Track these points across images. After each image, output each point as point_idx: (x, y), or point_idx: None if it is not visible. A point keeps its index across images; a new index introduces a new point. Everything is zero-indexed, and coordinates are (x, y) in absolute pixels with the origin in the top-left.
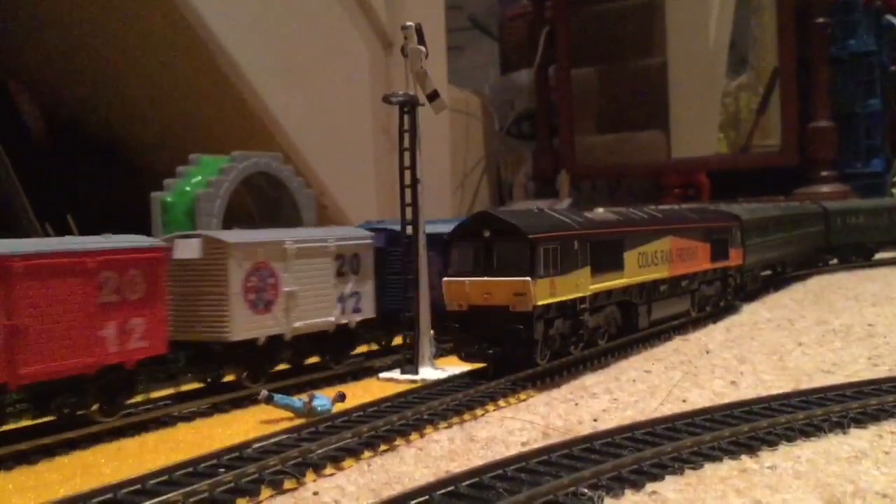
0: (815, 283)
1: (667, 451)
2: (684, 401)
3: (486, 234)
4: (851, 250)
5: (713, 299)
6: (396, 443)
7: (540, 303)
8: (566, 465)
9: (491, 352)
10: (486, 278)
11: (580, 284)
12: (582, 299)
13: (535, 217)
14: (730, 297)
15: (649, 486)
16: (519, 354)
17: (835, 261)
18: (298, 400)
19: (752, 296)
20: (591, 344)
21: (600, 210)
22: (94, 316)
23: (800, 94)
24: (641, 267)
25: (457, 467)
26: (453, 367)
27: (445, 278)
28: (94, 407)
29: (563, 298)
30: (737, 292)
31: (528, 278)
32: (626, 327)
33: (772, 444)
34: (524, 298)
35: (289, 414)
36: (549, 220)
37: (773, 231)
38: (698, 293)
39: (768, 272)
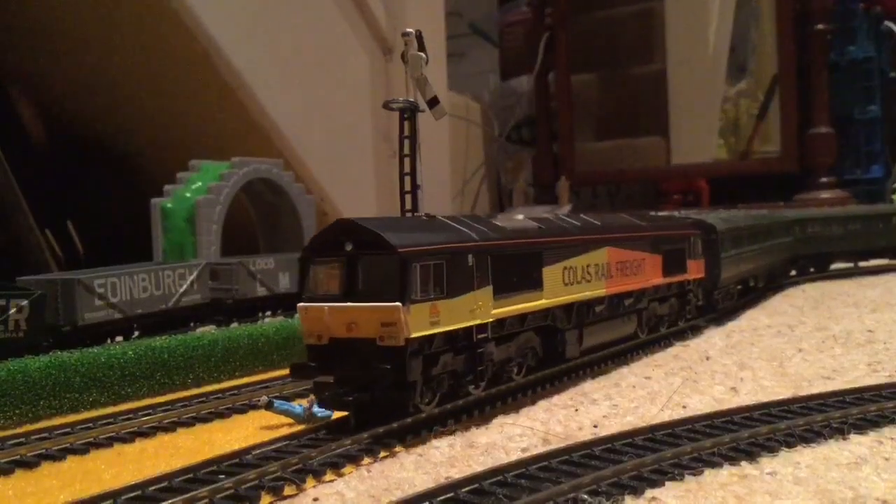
0: (815, 289)
1: (667, 458)
2: (684, 407)
3: (349, 247)
4: (812, 261)
5: (668, 319)
6: (396, 449)
7: (416, 334)
8: (566, 472)
9: (351, 398)
10: (348, 304)
11: (477, 309)
12: (481, 327)
13: (417, 225)
14: (690, 315)
15: (649, 492)
16: (389, 400)
17: (793, 272)
18: (298, 406)
19: (728, 313)
20: (499, 381)
21: (519, 217)
22: None
23: (799, 100)
24: (568, 284)
25: (457, 473)
26: None
27: (300, 303)
28: None
29: (452, 328)
30: (702, 310)
31: (399, 304)
32: (550, 358)
33: (772, 451)
34: (394, 329)
35: (289, 420)
36: (434, 230)
37: (749, 241)
38: (647, 312)
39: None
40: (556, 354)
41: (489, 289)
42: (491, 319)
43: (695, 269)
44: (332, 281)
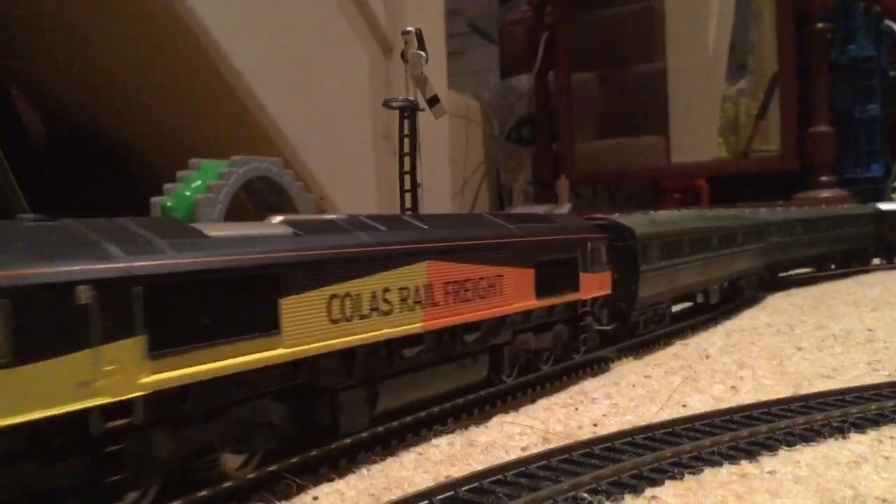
0: (815, 288)
1: (666, 456)
2: (684, 406)
3: None
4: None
5: (552, 353)
6: (395, 447)
7: None
8: (566, 470)
9: None
10: None
11: (101, 378)
12: (109, 410)
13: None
14: (589, 345)
15: (649, 491)
16: None
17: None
18: None
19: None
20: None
21: (277, 219)
22: None
23: (799, 99)
24: (342, 320)
25: (456, 472)
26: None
27: None
28: None
29: (23, 418)
30: (613, 337)
31: None
32: (307, 436)
33: (771, 449)
34: None
35: None
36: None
37: (690, 249)
38: (512, 348)
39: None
40: (320, 430)
41: (134, 342)
42: (138, 393)
43: (594, 286)
44: None
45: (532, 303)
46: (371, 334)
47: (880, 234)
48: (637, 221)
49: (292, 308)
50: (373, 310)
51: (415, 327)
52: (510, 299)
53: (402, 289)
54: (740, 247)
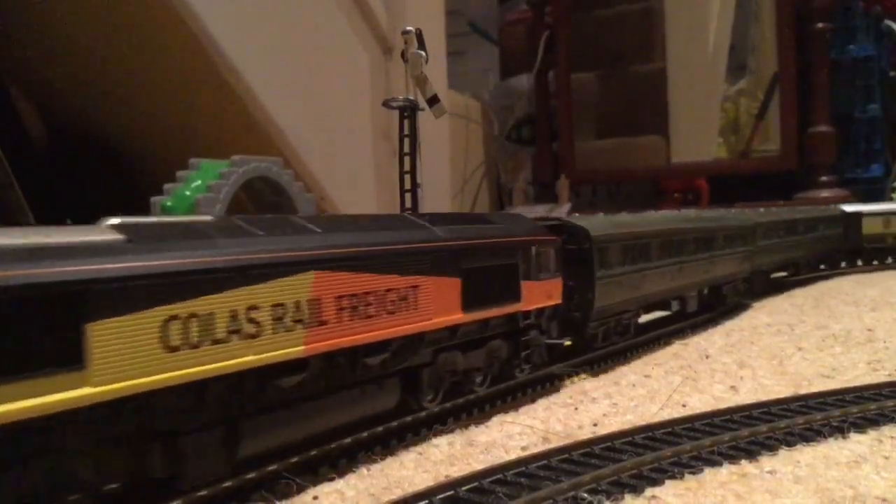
0: (815, 288)
1: (666, 456)
2: (684, 405)
3: None
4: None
5: (487, 372)
6: (396, 447)
7: None
8: (566, 470)
9: None
10: None
11: None
12: None
13: None
14: (535, 362)
15: (649, 491)
16: None
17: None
18: None
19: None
20: None
21: (109, 222)
22: None
23: (799, 99)
24: (181, 349)
25: (457, 472)
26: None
27: None
28: None
29: None
30: (568, 352)
31: None
32: (142, 490)
33: (771, 449)
34: None
35: None
36: None
37: (659, 254)
38: (434, 370)
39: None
40: (157, 482)
41: None
42: None
43: (540, 295)
44: None
45: (458, 317)
46: (228, 363)
47: (846, 237)
48: (594, 223)
49: (106, 335)
50: (232, 333)
51: (294, 351)
52: (429, 314)
53: (276, 306)
54: (721, 250)
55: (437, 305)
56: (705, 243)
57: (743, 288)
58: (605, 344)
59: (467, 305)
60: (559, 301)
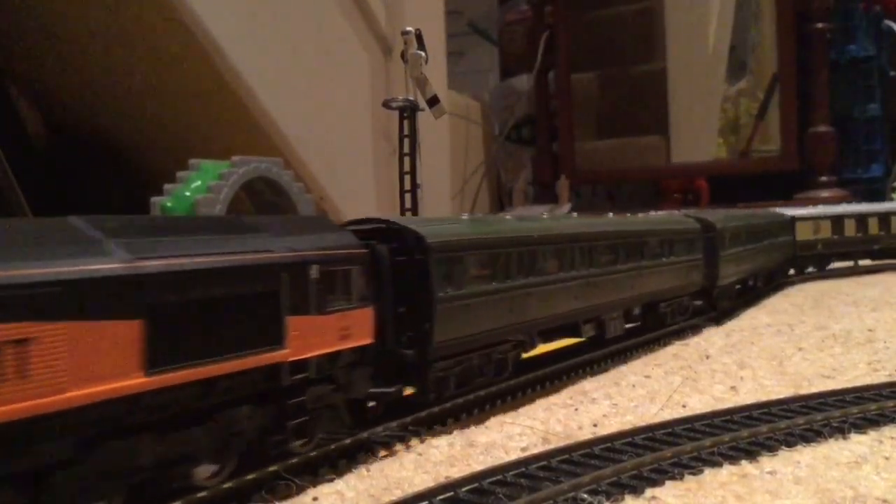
0: (815, 288)
1: (667, 457)
2: (684, 406)
3: None
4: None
5: (218, 459)
6: (395, 448)
7: None
8: (566, 471)
9: None
10: None
11: None
12: None
13: None
14: (318, 431)
15: (649, 492)
16: None
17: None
18: None
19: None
20: None
21: None
22: None
23: (799, 99)
24: None
25: (456, 472)
26: None
27: None
28: None
29: None
30: (406, 406)
31: None
32: None
33: (772, 450)
34: None
35: None
36: None
37: (561, 265)
38: (81, 472)
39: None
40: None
41: None
42: None
43: (329, 334)
44: None
45: (132, 382)
46: None
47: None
48: (439, 227)
49: None
50: None
51: None
52: (57, 383)
53: None
54: (654, 260)
55: (82, 367)
56: (630, 251)
57: (690, 305)
58: (459, 391)
59: (155, 362)
60: (369, 339)
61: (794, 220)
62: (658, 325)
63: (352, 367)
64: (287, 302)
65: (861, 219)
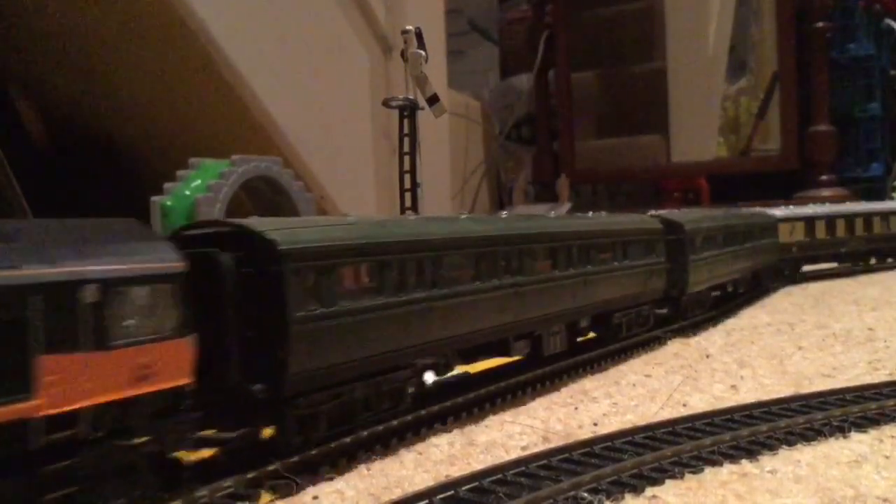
0: (815, 287)
1: (667, 456)
2: (684, 405)
3: None
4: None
5: None
6: (396, 447)
7: None
8: (566, 470)
9: None
10: None
11: None
12: None
13: None
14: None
15: (649, 491)
16: None
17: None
18: None
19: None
20: None
21: None
22: None
23: (799, 98)
24: None
25: (457, 471)
26: None
27: None
28: None
29: None
30: (249, 464)
31: None
32: None
33: (772, 449)
34: None
35: None
36: None
37: (479, 272)
38: None
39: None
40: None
41: None
42: None
43: (115, 377)
44: None
45: None
46: None
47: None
48: (301, 231)
49: None
50: None
51: None
52: None
53: None
54: (604, 265)
55: None
56: (573, 256)
57: (651, 314)
58: (333, 432)
59: None
60: (184, 378)
61: (776, 221)
62: (611, 337)
63: (161, 416)
64: (40, 336)
65: (830, 221)
